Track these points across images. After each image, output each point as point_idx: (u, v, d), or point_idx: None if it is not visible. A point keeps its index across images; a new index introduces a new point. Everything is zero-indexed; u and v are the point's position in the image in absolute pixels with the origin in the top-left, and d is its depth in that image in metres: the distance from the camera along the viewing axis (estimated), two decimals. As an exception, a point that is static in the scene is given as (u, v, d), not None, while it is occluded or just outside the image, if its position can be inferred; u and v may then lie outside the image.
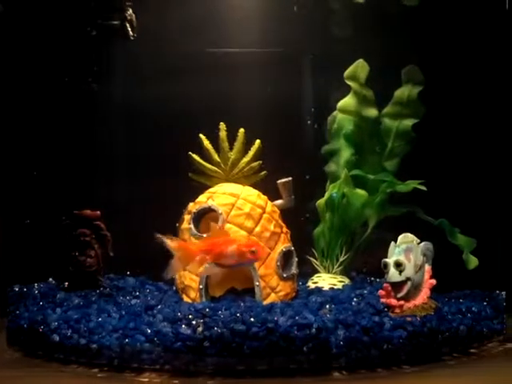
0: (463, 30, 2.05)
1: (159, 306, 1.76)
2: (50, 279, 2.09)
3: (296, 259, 1.94)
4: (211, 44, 2.18)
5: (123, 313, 1.71)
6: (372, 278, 2.17)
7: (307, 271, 2.15)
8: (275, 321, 1.55)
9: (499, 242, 1.97)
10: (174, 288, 1.97)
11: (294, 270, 1.92)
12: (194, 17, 2.13)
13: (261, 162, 1.97)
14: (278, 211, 1.97)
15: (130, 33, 2.00)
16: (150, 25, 2.08)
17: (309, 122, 2.26)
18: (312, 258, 2.16)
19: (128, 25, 1.98)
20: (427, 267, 1.75)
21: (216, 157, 1.97)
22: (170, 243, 1.68)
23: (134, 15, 1.99)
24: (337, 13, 2.15)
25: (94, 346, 1.58)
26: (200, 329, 1.54)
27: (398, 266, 1.68)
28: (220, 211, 1.86)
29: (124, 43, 2.05)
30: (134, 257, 2.18)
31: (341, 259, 2.13)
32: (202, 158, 1.98)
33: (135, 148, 2.23)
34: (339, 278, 2.11)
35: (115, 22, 1.99)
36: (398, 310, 1.68)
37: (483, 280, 1.99)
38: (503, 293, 1.92)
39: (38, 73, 2.06)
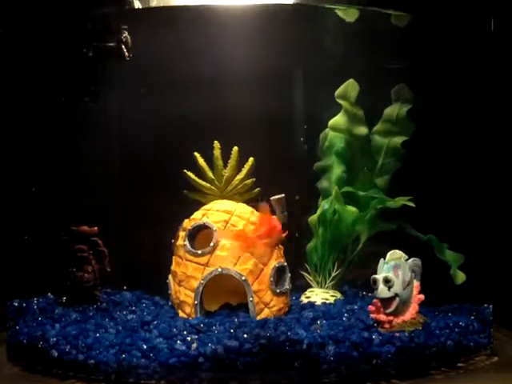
0: (450, 49, 2.10)
1: (155, 322, 1.80)
2: (49, 294, 2.14)
3: (289, 274, 1.99)
4: (205, 62, 2.22)
5: (120, 328, 1.75)
6: (364, 293, 2.21)
7: (301, 285, 2.20)
8: (268, 337, 1.59)
9: (487, 255, 2.01)
10: (170, 303, 2.01)
11: (287, 285, 1.97)
12: (188, 36, 2.17)
13: (254, 179, 2.02)
14: (271, 227, 2.01)
15: (126, 53, 2.06)
16: (145, 45, 2.13)
17: (301, 139, 2.31)
18: (305, 273, 2.20)
19: (123, 46, 2.03)
20: (416, 283, 1.79)
21: (210, 174, 2.02)
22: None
23: (128, 37, 2.05)
24: (329, 32, 2.20)
25: (92, 361, 1.62)
26: (194, 345, 1.59)
27: (387, 282, 1.73)
28: (214, 228, 1.91)
29: (120, 63, 2.10)
30: (130, 272, 2.23)
31: (333, 274, 2.17)
32: (196, 175, 2.03)
33: (132, 165, 2.27)
34: (332, 292, 2.14)
35: (111, 44, 2.05)
36: (387, 326, 1.73)
37: (472, 294, 2.03)
38: (490, 306, 1.96)
39: (38, 92, 2.10)
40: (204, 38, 2.16)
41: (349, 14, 2.02)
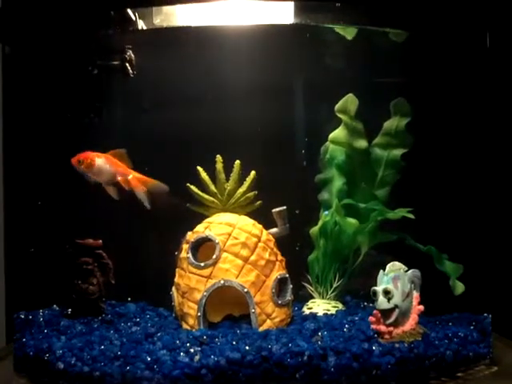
0: (447, 64, 2.14)
1: (159, 334, 1.83)
2: (54, 306, 2.17)
3: (291, 286, 2.02)
4: (208, 78, 2.26)
5: (124, 340, 1.78)
6: (365, 303, 2.23)
7: (304, 296, 2.23)
8: (269, 349, 1.62)
9: (486, 265, 2.03)
10: (174, 315, 2.04)
11: (288, 296, 1.99)
12: (190, 55, 2.22)
13: (256, 192, 2.06)
14: (273, 239, 2.04)
15: (130, 71, 2.11)
16: (149, 63, 2.18)
17: (302, 152, 2.34)
18: (307, 284, 2.23)
19: (128, 64, 2.08)
20: (415, 294, 1.82)
21: (213, 188, 2.06)
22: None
23: (132, 55, 2.10)
24: (328, 48, 2.24)
25: (97, 373, 1.65)
26: (197, 357, 1.61)
27: (387, 293, 1.76)
28: (217, 241, 1.94)
29: (124, 80, 2.14)
30: (134, 283, 2.26)
31: (334, 285, 2.20)
32: (199, 189, 2.06)
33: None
34: (333, 303, 2.18)
35: (116, 62, 2.09)
36: (387, 336, 1.75)
37: (471, 303, 2.05)
38: (490, 316, 1.98)
39: (43, 109, 2.15)
40: (206, 56, 2.20)
41: (347, 31, 2.06)
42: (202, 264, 1.93)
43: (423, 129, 2.17)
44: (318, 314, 2.09)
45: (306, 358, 1.60)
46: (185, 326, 1.94)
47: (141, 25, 1.82)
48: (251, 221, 2.03)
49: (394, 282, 1.78)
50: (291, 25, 1.87)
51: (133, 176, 2.03)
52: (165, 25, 1.83)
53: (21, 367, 1.81)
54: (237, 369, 1.58)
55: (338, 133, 2.19)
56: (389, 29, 1.94)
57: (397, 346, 1.69)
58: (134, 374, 1.61)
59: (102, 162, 1.98)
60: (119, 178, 2.01)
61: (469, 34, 1.98)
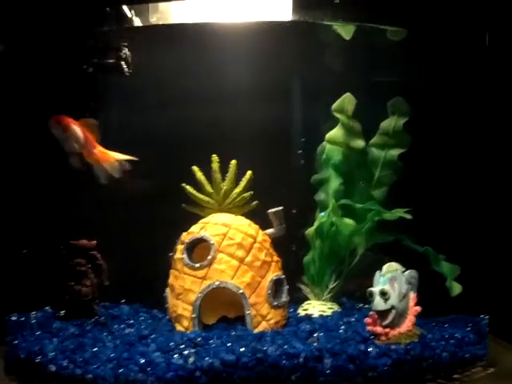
0: (446, 63, 2.13)
1: (153, 336, 1.81)
2: (47, 307, 2.15)
3: (287, 287, 2.00)
4: (204, 77, 2.25)
5: (118, 342, 1.76)
6: (361, 305, 2.21)
7: (299, 297, 2.21)
8: (264, 351, 1.60)
9: (483, 266, 2.02)
10: (168, 316, 2.02)
11: (284, 297, 1.97)
12: (186, 52, 2.20)
13: (252, 192, 2.04)
14: (269, 240, 2.02)
15: (126, 69, 2.09)
16: (144, 61, 2.17)
17: (299, 152, 2.33)
18: (302, 286, 2.21)
19: (123, 62, 2.06)
20: (412, 295, 1.81)
21: (208, 188, 2.04)
22: None
23: (128, 53, 2.08)
24: (325, 47, 2.23)
25: (90, 375, 1.63)
26: (191, 359, 1.59)
27: (383, 294, 1.74)
28: (212, 241, 1.92)
29: (120, 79, 2.13)
30: (128, 285, 2.24)
31: (330, 286, 2.18)
32: (195, 189, 2.04)
33: (130, 178, 2.28)
34: (329, 304, 2.16)
35: (111, 61, 2.08)
36: (383, 338, 1.74)
37: (469, 304, 2.04)
38: (487, 317, 1.96)
39: (39, 109, 2.13)
40: (202, 54, 2.18)
41: (345, 30, 2.04)
42: (197, 265, 1.90)
43: (421, 129, 2.15)
44: (314, 316, 2.07)
45: (301, 359, 1.59)
46: (179, 327, 1.91)
47: (137, 22, 1.81)
48: (247, 221, 2.01)
49: (391, 282, 1.77)
50: (289, 22, 1.86)
51: (98, 150, 2.00)
52: (161, 22, 1.81)
53: (12, 370, 1.79)
54: (232, 371, 1.57)
55: (335, 132, 2.18)
56: (387, 26, 1.93)
57: (393, 347, 1.68)
58: (127, 376, 1.59)
59: (76, 129, 1.95)
60: (84, 150, 1.98)
61: (468, 33, 1.97)
